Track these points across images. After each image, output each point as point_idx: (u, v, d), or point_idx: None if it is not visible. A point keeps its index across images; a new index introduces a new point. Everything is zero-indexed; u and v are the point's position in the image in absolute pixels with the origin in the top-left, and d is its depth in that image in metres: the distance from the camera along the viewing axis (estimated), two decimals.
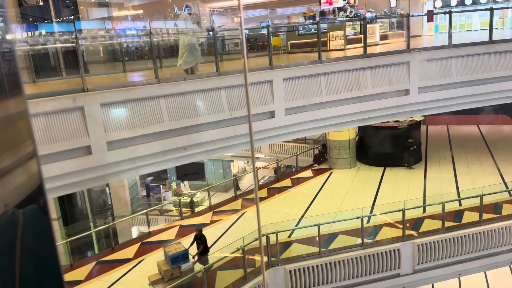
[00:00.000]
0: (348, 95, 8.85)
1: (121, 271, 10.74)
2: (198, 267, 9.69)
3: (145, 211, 12.99)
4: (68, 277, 10.37)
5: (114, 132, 6.57)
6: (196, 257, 10.17)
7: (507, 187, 13.03)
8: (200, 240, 10.34)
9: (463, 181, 14.57)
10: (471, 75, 9.88)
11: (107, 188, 27.68)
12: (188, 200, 19.29)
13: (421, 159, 17.30)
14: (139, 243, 12.31)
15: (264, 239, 10.17)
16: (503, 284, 16.63)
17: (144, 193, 24.80)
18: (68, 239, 10.70)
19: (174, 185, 27.29)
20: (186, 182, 23.64)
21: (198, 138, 7.44)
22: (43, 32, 14.91)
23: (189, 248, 10.07)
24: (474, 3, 18.99)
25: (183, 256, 9.64)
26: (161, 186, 29.66)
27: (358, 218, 10.78)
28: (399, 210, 10.97)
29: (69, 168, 6.21)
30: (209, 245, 10.68)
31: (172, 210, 19.44)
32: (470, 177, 14.88)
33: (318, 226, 10.48)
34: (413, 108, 9.82)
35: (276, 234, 10.23)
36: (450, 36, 9.58)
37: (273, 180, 17.51)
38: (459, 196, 13.07)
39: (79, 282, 10.28)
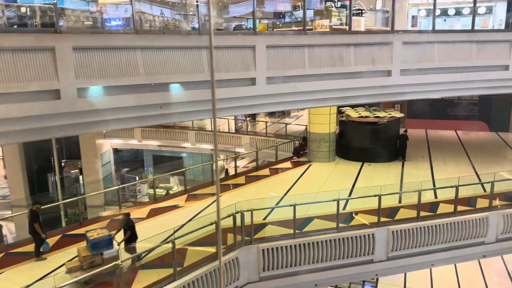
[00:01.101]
0: (331, 70, 8.77)
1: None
2: (124, 255, 8.83)
3: (117, 187, 12.59)
4: (30, 248, 9.91)
5: (86, 79, 6.28)
6: (122, 244, 9.23)
7: (480, 181, 13.18)
8: (128, 225, 9.43)
9: (439, 177, 14.68)
10: (452, 62, 9.96)
11: (81, 177, 27.03)
12: (164, 192, 18.92)
13: (399, 157, 17.39)
14: (108, 220, 11.91)
15: (238, 217, 9.95)
16: (472, 281, 16.84)
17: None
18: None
19: (150, 177, 26.71)
20: (176, 177, 23.19)
21: (175, 97, 7.20)
22: None
23: (115, 234, 9.19)
24: (457, 13, 19.34)
25: (106, 242, 8.60)
26: (137, 178, 29.09)
27: (334, 200, 10.66)
28: (375, 195, 10.90)
29: (34, 111, 5.89)
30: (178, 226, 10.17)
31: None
32: (446, 174, 15.00)
33: (294, 206, 10.30)
34: (394, 91, 9.81)
35: (251, 212, 10.00)
36: (433, 20, 9.63)
37: (251, 169, 17.33)
38: (435, 186, 13.13)
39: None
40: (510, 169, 14.49)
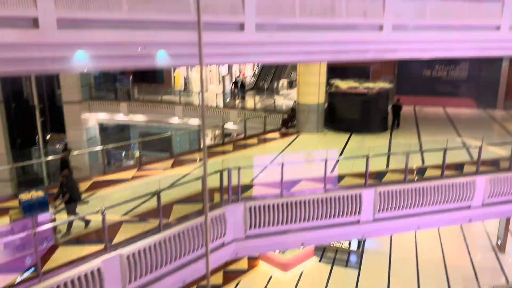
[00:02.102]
0: (322, 21, 8.55)
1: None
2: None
3: (102, 147, 12.32)
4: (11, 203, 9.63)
5: (66, 9, 5.97)
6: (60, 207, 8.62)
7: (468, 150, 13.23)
8: (66, 187, 8.67)
9: (427, 146, 14.67)
10: (444, 20, 9.82)
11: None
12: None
13: (387, 128, 17.39)
14: (92, 181, 11.65)
15: (225, 175, 9.79)
16: (457, 256, 17.06)
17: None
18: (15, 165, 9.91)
19: (136, 153, 26.36)
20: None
21: (160, 37, 6.93)
22: None
23: (56, 196, 8.69)
24: None
25: (40, 204, 7.89)
26: (123, 153, 28.69)
27: (322, 160, 10.56)
28: (363, 156, 10.83)
29: (10, 38, 5.58)
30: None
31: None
32: (434, 144, 15.00)
33: (282, 165, 10.18)
34: (386, 47, 9.68)
35: (238, 169, 9.83)
36: None
37: (239, 138, 17.16)
38: (422, 153, 13.14)
39: None
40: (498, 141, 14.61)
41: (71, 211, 8.51)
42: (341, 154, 14.30)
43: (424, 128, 17.85)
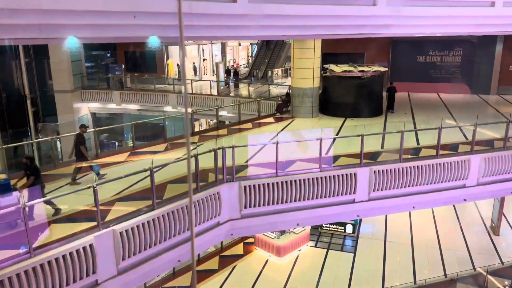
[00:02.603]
0: None
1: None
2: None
3: (94, 130, 12.16)
4: None
5: None
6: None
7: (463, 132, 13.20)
8: (30, 170, 8.45)
9: (422, 127, 14.62)
10: None
11: (58, 142, 26.27)
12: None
13: (382, 113, 17.33)
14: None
15: (219, 153, 9.67)
16: (451, 240, 17.12)
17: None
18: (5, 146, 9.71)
19: (129, 143, 26.09)
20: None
21: (149, 6, 6.76)
22: None
23: (17, 180, 8.57)
24: None
25: (3, 187, 7.68)
26: (116, 143, 28.43)
27: (317, 139, 10.48)
28: (358, 135, 10.75)
29: None
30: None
31: None
32: (428, 126, 14.96)
33: (277, 144, 10.08)
34: (380, 22, 9.57)
35: (233, 148, 9.71)
36: None
37: (233, 123, 17.04)
38: (417, 136, 13.09)
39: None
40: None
41: (36, 195, 8.14)
42: (336, 135, 14.23)
43: (418, 112, 17.84)
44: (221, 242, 16.60)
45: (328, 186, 10.36)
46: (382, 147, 12.42)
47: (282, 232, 16.13)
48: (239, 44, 39.19)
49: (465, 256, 15.80)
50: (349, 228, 17.27)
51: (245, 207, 9.87)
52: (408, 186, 11.05)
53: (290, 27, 8.67)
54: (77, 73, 25.42)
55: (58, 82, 24.58)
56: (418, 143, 12.85)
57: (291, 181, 10.07)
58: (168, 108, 24.65)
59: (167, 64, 28.68)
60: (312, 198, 10.32)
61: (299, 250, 16.26)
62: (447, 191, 11.52)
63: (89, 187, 7.28)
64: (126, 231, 7.57)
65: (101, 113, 27.66)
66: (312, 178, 10.24)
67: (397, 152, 11.30)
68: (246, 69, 34.15)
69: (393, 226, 17.93)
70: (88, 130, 11.11)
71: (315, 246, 16.75)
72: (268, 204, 10.02)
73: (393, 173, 10.84)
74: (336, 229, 17.37)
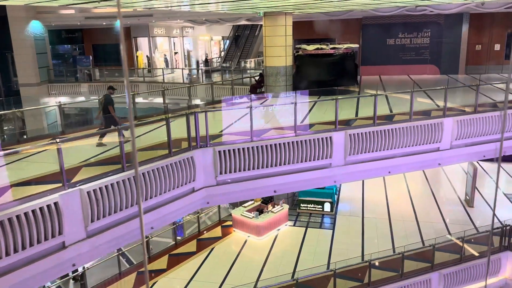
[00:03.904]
0: None
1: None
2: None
3: (58, 104, 11.67)
4: None
5: None
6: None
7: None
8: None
9: (394, 102, 14.76)
10: None
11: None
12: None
13: (356, 83, 17.39)
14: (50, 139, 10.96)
15: (192, 119, 9.37)
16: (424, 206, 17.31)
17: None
18: None
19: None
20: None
21: None
22: None
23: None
24: None
25: None
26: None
27: (291, 103, 10.33)
28: (333, 99, 10.68)
29: None
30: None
31: None
32: (402, 101, 15.10)
33: (250, 108, 9.87)
34: None
35: (205, 113, 9.44)
36: None
37: (207, 102, 16.77)
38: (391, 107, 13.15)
39: None
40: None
41: None
42: (310, 110, 14.15)
43: (391, 89, 18.00)
44: (198, 226, 16.26)
45: (304, 151, 10.22)
46: (356, 115, 12.40)
47: (261, 212, 15.92)
48: (211, 39, 38.93)
49: (441, 228, 15.96)
50: (327, 207, 17.22)
51: (221, 173, 9.61)
52: (383, 149, 11.05)
53: None
54: (43, 65, 24.55)
55: (23, 74, 23.68)
56: (391, 111, 12.91)
57: (266, 146, 9.88)
58: (139, 100, 24.08)
59: (137, 56, 28.12)
60: (289, 163, 10.15)
61: (278, 230, 16.07)
62: (422, 155, 11.59)
63: (52, 142, 6.86)
64: (94, 191, 7.18)
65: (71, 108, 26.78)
66: (288, 143, 10.08)
67: (371, 119, 11.29)
68: (219, 62, 33.89)
69: (370, 203, 18.01)
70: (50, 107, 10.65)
71: (294, 225, 16.60)
72: (244, 170, 9.79)
73: (368, 136, 10.82)
74: (314, 208, 17.28)
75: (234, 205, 17.40)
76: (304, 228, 16.28)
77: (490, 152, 12.40)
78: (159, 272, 13.48)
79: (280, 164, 10.08)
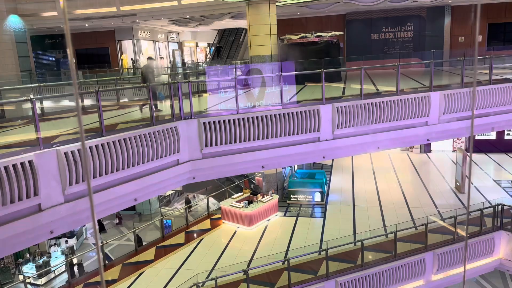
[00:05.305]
0: None
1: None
2: None
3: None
4: None
5: None
6: None
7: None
8: None
9: (381, 88, 14.70)
10: None
11: None
12: None
13: (341, 78, 17.33)
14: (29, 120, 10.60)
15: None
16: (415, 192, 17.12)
17: None
18: None
19: None
20: None
21: None
22: None
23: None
24: None
25: None
26: None
27: (278, 74, 10.15)
28: (319, 71, 10.54)
29: None
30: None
31: None
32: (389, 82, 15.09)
33: (235, 78, 9.66)
34: None
35: (189, 83, 9.21)
36: None
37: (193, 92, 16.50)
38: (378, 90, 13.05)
39: None
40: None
41: None
42: (297, 92, 14.00)
43: (377, 78, 17.98)
44: (186, 219, 15.84)
45: (291, 123, 10.01)
46: (343, 93, 12.28)
47: (250, 202, 15.58)
48: (197, 45, 38.93)
49: (433, 211, 15.80)
50: (317, 197, 16.96)
51: (206, 146, 9.32)
52: (371, 123, 10.88)
53: None
54: (26, 69, 24.11)
55: (4, 78, 23.17)
56: (377, 90, 12.82)
57: (252, 118, 9.65)
58: (124, 100, 23.73)
59: (121, 60, 27.87)
60: (276, 136, 9.92)
61: (268, 220, 15.73)
62: (410, 129, 11.46)
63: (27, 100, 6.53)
64: (72, 152, 6.83)
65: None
66: (275, 115, 9.86)
67: (358, 96, 11.17)
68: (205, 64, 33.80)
69: (360, 193, 17.81)
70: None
71: (284, 215, 16.27)
72: (230, 143, 9.52)
73: (355, 109, 10.67)
74: (304, 198, 17.00)
75: (222, 199, 17.04)
76: (295, 217, 15.96)
77: (479, 127, 12.35)
78: (146, 263, 13.00)
79: (267, 137, 9.83)
